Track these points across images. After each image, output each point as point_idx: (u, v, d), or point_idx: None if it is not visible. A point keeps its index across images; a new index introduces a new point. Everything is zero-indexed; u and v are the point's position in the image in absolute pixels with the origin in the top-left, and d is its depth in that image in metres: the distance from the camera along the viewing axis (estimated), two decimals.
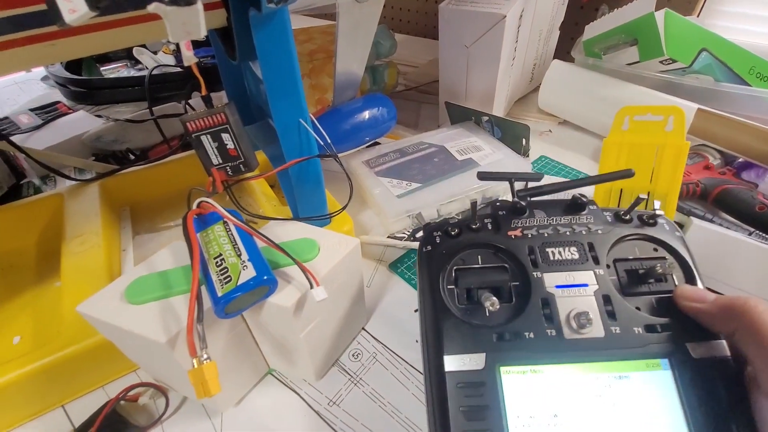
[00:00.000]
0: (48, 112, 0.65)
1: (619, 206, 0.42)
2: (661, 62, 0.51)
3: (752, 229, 0.40)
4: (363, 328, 0.35)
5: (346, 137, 0.49)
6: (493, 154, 0.48)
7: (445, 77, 0.58)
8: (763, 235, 0.39)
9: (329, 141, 0.34)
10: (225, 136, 0.25)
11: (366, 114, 0.45)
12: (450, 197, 0.43)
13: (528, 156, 0.50)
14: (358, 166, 0.49)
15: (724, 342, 0.21)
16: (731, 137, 0.46)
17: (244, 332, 0.27)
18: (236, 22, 0.30)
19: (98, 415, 0.28)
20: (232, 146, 0.25)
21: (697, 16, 0.68)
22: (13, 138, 0.50)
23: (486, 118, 0.53)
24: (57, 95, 0.71)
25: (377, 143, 0.52)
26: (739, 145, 0.45)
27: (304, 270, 0.23)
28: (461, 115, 0.56)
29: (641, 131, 0.39)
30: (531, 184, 0.29)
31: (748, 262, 0.34)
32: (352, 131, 0.46)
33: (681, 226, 0.40)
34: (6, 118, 0.63)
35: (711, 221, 0.40)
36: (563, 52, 0.68)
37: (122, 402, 0.29)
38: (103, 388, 0.32)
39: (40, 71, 0.87)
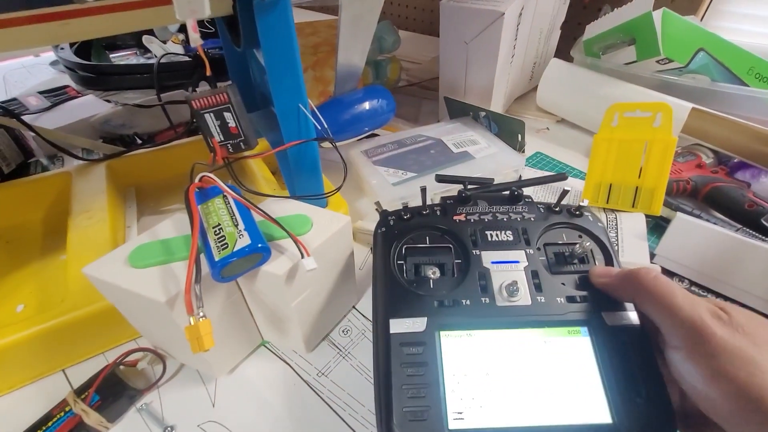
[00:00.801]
0: (57, 95, 0.67)
1: (608, 201, 0.43)
2: (657, 62, 0.52)
3: (740, 226, 0.41)
4: (353, 307, 0.36)
5: (346, 126, 0.50)
6: (488, 148, 0.50)
7: (445, 72, 0.59)
8: (751, 231, 0.40)
9: (326, 126, 0.35)
10: (227, 115, 0.27)
11: (365, 104, 0.46)
12: (443, 186, 0.44)
13: (523, 151, 0.51)
14: (357, 155, 0.50)
15: (634, 312, 0.24)
16: (725, 137, 0.47)
17: (240, 302, 0.29)
18: (241, 10, 0.32)
19: (97, 377, 0.29)
20: (233, 125, 0.27)
21: (702, 17, 0.68)
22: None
23: (483, 113, 0.54)
24: (65, 80, 0.73)
25: (376, 134, 0.54)
26: (733, 145, 0.46)
27: (296, 241, 0.25)
28: (460, 111, 0.57)
29: (630, 127, 0.40)
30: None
31: (731, 255, 0.35)
32: (352, 121, 0.48)
33: (668, 220, 0.41)
34: (14, 99, 0.64)
35: (699, 217, 0.41)
36: (565, 51, 0.69)
37: (121, 366, 0.31)
38: (103, 355, 0.33)
39: (48, 56, 0.88)
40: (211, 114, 0.26)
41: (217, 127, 0.27)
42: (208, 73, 0.27)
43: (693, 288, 0.36)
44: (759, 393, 0.16)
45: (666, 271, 0.36)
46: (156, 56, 0.75)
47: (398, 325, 0.23)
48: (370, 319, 0.35)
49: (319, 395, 0.30)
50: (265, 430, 0.28)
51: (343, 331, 0.34)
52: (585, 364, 0.23)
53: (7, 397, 0.31)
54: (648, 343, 0.22)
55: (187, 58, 0.71)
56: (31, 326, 0.29)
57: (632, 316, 0.24)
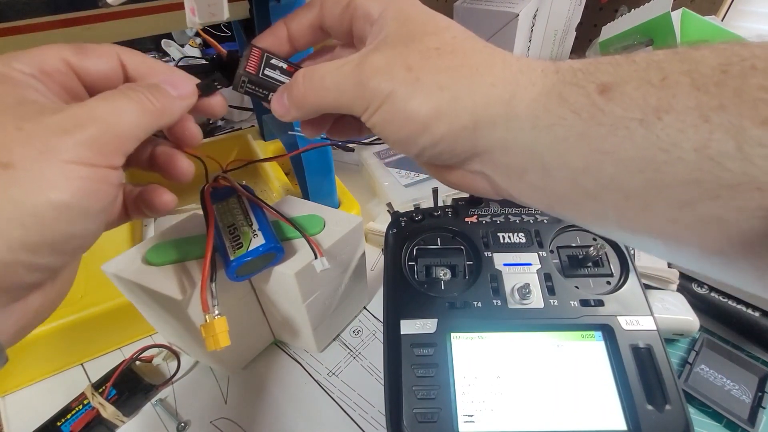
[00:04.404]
0: None
1: None
2: None
3: None
4: (364, 307, 0.36)
5: None
6: None
7: None
8: None
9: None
10: (273, 62, 0.22)
11: None
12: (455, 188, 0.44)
13: None
14: (369, 157, 0.50)
15: (650, 317, 0.23)
16: None
17: (253, 301, 0.29)
18: (257, 13, 0.32)
19: (114, 372, 0.30)
20: (285, 65, 0.23)
21: (723, 17, 0.67)
22: None
23: None
24: None
25: None
26: None
27: (309, 241, 0.25)
28: None
29: None
30: None
31: None
32: None
33: None
34: None
35: None
36: (580, 53, 0.68)
37: (137, 362, 0.32)
38: (120, 350, 0.34)
39: None
40: (265, 69, 0.22)
41: (281, 76, 0.22)
42: (224, 52, 0.25)
43: (713, 294, 0.35)
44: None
45: (684, 276, 0.35)
46: (174, 59, 0.77)
47: (409, 326, 0.24)
48: (381, 320, 0.35)
49: (329, 395, 0.30)
50: (275, 428, 0.29)
51: (353, 332, 0.34)
52: (599, 369, 0.22)
53: (28, 389, 0.32)
54: (664, 349, 0.22)
55: (204, 62, 0.72)
56: (51, 321, 0.30)
57: (648, 321, 0.23)
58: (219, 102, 0.20)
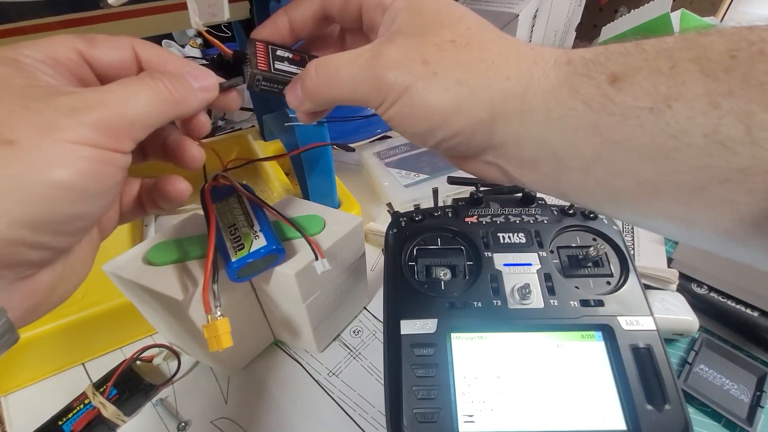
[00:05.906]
0: None
1: None
2: None
3: None
4: (365, 308, 0.36)
5: (359, 127, 0.50)
6: None
7: None
8: None
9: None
10: (279, 54, 0.21)
11: None
12: (456, 188, 0.44)
13: None
14: (369, 157, 0.50)
15: (650, 317, 0.23)
16: None
17: (253, 301, 0.29)
18: (258, 13, 0.32)
19: (115, 372, 0.30)
20: (291, 54, 0.22)
21: (721, 18, 0.67)
22: None
23: None
24: None
25: (388, 136, 0.54)
26: None
27: (309, 242, 0.25)
28: None
29: None
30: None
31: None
32: (365, 122, 0.48)
33: None
34: None
35: None
36: None
37: (138, 362, 0.32)
38: (121, 350, 0.34)
39: None
40: (274, 63, 0.21)
41: (290, 67, 0.21)
42: (229, 53, 0.24)
43: (712, 294, 0.35)
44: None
45: (684, 276, 0.35)
46: None
47: (409, 326, 0.24)
48: (381, 320, 0.35)
49: (329, 395, 0.30)
50: (275, 428, 0.29)
51: (354, 332, 0.34)
52: (599, 369, 0.22)
53: (30, 388, 0.32)
54: (664, 349, 0.22)
55: (204, 62, 0.72)
56: (52, 321, 0.30)
57: (648, 321, 0.23)
58: (235, 97, 0.20)
